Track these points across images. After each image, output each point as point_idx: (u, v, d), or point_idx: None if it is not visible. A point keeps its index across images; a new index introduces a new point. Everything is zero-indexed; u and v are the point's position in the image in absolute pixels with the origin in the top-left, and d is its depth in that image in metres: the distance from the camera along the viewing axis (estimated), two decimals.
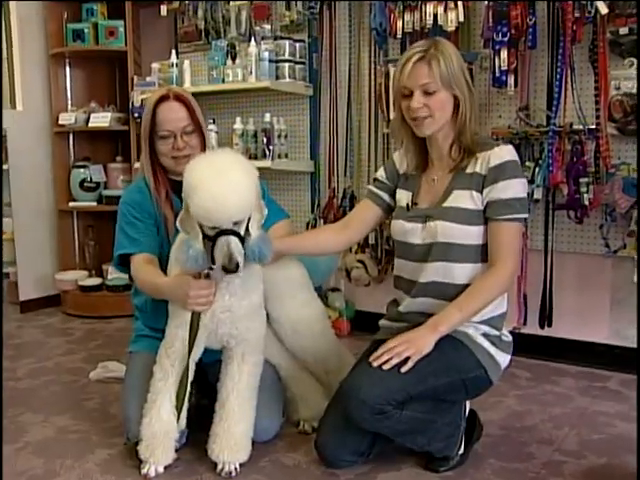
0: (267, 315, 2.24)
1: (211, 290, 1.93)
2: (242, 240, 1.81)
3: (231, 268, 1.77)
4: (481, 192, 1.98)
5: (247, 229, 1.85)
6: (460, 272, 2.01)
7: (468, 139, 2.01)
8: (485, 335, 2.03)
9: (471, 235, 2.00)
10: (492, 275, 1.97)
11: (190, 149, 2.22)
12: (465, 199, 2.00)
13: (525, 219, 2.03)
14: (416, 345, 1.91)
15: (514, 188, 1.95)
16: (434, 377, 1.94)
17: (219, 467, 2.09)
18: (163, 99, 2.21)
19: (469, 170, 2.01)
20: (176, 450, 2.13)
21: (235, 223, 1.79)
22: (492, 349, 2.03)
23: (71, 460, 2.21)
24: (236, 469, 2.08)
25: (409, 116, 2.00)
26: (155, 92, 2.32)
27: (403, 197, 2.15)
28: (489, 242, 1.99)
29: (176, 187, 2.17)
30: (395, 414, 1.92)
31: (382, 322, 2.26)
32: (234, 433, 2.07)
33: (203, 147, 2.28)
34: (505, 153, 1.98)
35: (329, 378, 2.37)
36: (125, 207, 2.28)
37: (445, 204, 2.02)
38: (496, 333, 2.05)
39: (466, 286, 2.00)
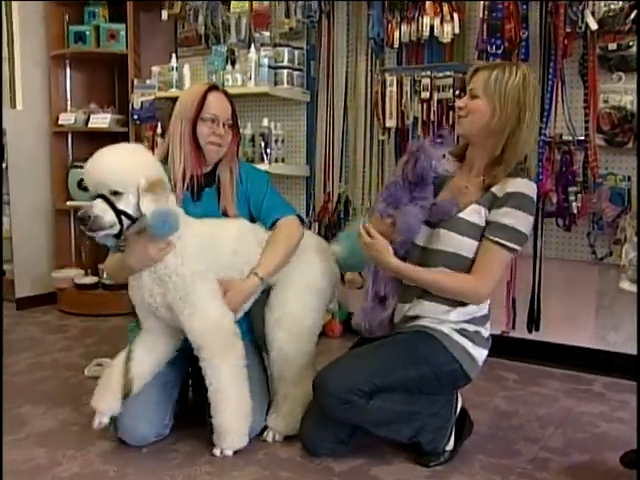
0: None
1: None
2: (115, 209, 2.01)
3: (82, 223, 2.03)
4: (489, 210, 2.05)
5: (139, 207, 2.03)
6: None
7: (501, 160, 2.04)
8: (462, 331, 2.09)
9: (465, 247, 2.06)
10: (470, 279, 2.04)
11: (225, 142, 2.36)
12: (475, 213, 2.06)
13: (516, 251, 2.06)
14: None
15: (516, 218, 2.00)
16: (403, 370, 2.05)
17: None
18: (214, 88, 2.38)
19: (493, 190, 2.06)
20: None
21: (114, 193, 2.00)
22: (468, 344, 2.10)
23: (73, 450, 2.27)
24: (222, 452, 2.20)
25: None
26: (198, 84, 2.57)
27: None
28: (477, 257, 2.05)
29: (202, 180, 2.37)
30: (362, 404, 2.02)
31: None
32: (219, 422, 2.17)
33: (237, 145, 2.45)
34: (523, 186, 2.02)
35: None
36: None
37: (460, 214, 2.08)
38: (475, 329, 2.12)
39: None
